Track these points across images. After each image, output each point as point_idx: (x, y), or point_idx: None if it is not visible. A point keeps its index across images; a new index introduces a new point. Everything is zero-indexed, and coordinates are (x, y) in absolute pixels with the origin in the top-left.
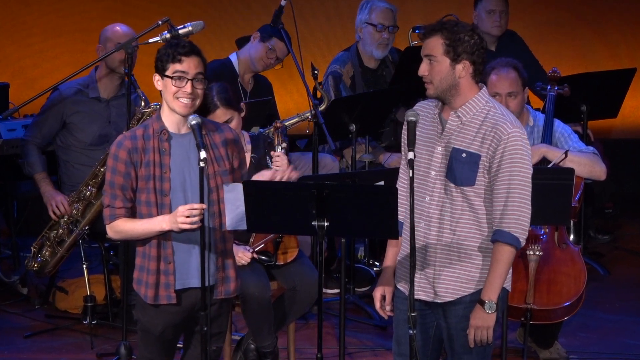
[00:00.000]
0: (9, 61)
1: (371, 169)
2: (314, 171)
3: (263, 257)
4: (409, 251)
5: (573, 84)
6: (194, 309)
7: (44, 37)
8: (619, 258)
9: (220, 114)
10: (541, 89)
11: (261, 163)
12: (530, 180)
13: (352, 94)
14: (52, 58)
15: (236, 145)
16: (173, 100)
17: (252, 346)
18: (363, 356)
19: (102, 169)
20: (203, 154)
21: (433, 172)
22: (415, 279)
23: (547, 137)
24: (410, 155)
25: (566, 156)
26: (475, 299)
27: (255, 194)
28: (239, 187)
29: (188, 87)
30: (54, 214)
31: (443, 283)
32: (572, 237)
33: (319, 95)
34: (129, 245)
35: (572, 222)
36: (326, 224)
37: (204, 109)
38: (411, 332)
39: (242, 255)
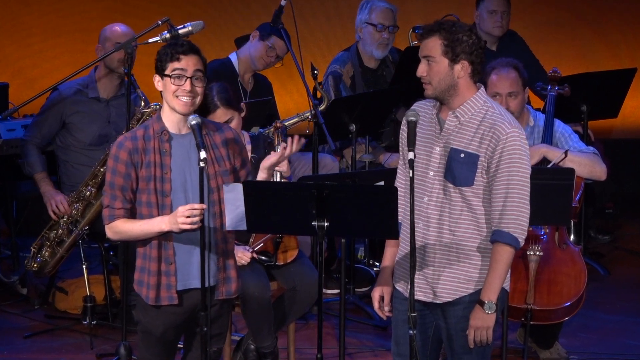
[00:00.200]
0: (8, 61)
1: (371, 169)
2: (314, 171)
3: (263, 257)
4: (407, 251)
5: (573, 84)
6: (195, 309)
7: (44, 37)
8: (620, 258)
9: (221, 114)
10: (541, 89)
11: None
12: (529, 180)
13: (352, 94)
14: (52, 58)
15: (237, 144)
16: (173, 99)
17: (252, 346)
18: (363, 356)
19: (101, 169)
20: (203, 154)
21: (431, 173)
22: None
23: (548, 137)
24: (411, 155)
25: (566, 156)
26: (475, 299)
27: (255, 194)
28: (238, 187)
29: (187, 85)
30: (54, 213)
31: (442, 284)
32: (572, 237)
33: (318, 95)
34: (129, 246)
35: (572, 222)
36: (326, 224)
37: (204, 109)
38: (411, 332)
39: (242, 255)
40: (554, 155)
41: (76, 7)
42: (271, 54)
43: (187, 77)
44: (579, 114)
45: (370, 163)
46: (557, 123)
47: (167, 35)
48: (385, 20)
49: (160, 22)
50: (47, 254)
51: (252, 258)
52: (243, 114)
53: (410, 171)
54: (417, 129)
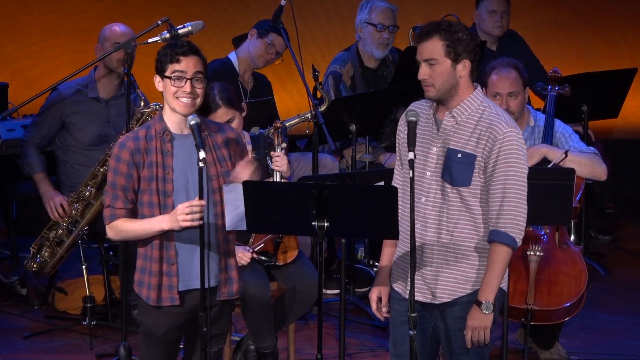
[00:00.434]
0: (8, 61)
1: (371, 169)
2: (314, 171)
3: (263, 258)
4: (404, 251)
5: (574, 84)
6: (196, 309)
7: (43, 37)
8: (620, 258)
9: (222, 114)
10: (542, 89)
11: (262, 164)
12: (526, 180)
13: (352, 94)
14: (52, 58)
15: (238, 145)
16: (173, 100)
17: (252, 347)
18: (363, 357)
19: (101, 169)
20: (202, 154)
21: (428, 173)
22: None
23: (548, 137)
24: (411, 155)
25: (566, 156)
26: (472, 300)
27: (255, 194)
28: (238, 188)
29: (187, 87)
30: (53, 216)
31: (440, 284)
32: (572, 237)
33: (319, 95)
34: (129, 246)
35: (572, 222)
36: (326, 224)
37: (205, 109)
38: (411, 332)
39: (242, 255)
40: (555, 155)
41: (76, 7)
42: (271, 51)
43: (187, 79)
44: (579, 114)
45: (371, 163)
46: (558, 123)
47: (167, 35)
48: (385, 20)
49: (160, 22)
50: (46, 254)
51: (252, 258)
52: (244, 114)
53: (411, 171)
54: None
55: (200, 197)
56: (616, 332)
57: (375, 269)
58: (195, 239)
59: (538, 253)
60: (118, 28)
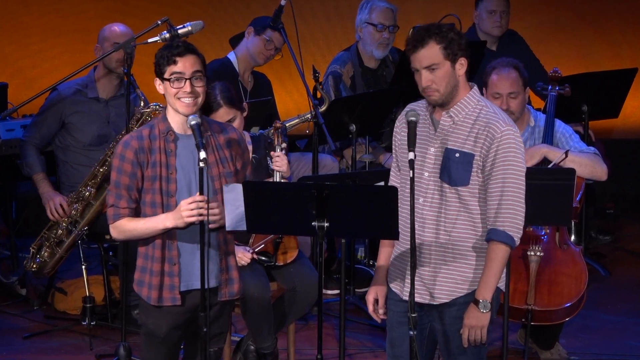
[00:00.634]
0: (7, 61)
1: (371, 169)
2: (314, 171)
3: (263, 258)
4: (402, 252)
5: (574, 84)
6: (197, 309)
7: (43, 37)
8: (620, 259)
9: (223, 113)
10: (542, 89)
11: (262, 164)
12: (524, 179)
13: (352, 94)
14: (51, 58)
15: (240, 146)
16: (175, 101)
17: (252, 347)
18: (363, 357)
19: (101, 170)
20: (202, 154)
21: (426, 174)
22: (409, 281)
23: (548, 137)
24: (411, 155)
25: (567, 156)
26: (470, 300)
27: (255, 194)
28: (238, 188)
29: (187, 87)
30: (52, 216)
31: (438, 285)
32: (573, 237)
33: (319, 95)
34: (128, 246)
35: (573, 222)
36: (326, 224)
37: (206, 108)
38: (412, 333)
39: (242, 255)
40: (555, 155)
41: (75, 7)
42: (270, 47)
43: (186, 79)
44: (579, 114)
45: (371, 163)
46: (558, 123)
47: (167, 35)
48: (385, 20)
49: (159, 22)
50: (46, 254)
51: (252, 259)
52: (245, 114)
53: (411, 171)
54: None
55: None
56: (616, 333)
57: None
58: (197, 240)
59: (538, 253)
60: (117, 28)
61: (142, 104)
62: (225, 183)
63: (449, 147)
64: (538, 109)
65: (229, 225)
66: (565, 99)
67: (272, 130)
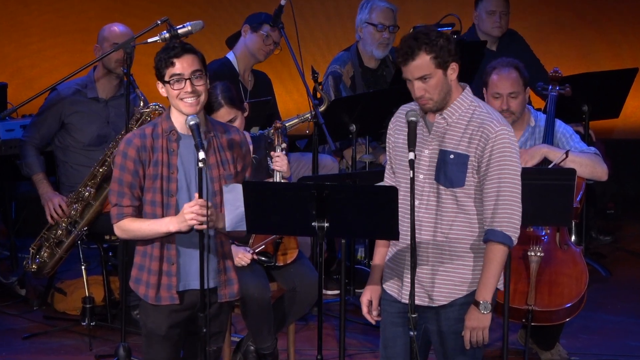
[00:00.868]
0: (7, 61)
1: (371, 169)
2: (314, 171)
3: (263, 258)
4: (397, 253)
5: (574, 84)
6: (195, 307)
7: (43, 37)
8: (621, 259)
9: (224, 113)
10: (542, 89)
11: (262, 164)
12: (520, 178)
13: (352, 94)
14: (51, 58)
15: (242, 148)
16: (178, 102)
17: (252, 348)
18: (363, 357)
19: (100, 170)
20: (202, 155)
21: (421, 176)
22: (406, 283)
23: (549, 137)
24: (411, 155)
25: (567, 156)
26: (468, 301)
27: (255, 194)
28: (238, 188)
29: (188, 87)
30: (52, 217)
31: (437, 287)
32: (573, 238)
33: (318, 96)
34: (128, 247)
35: (573, 222)
36: (326, 224)
37: (208, 108)
38: (412, 333)
39: (242, 256)
40: (555, 155)
41: (75, 6)
42: (269, 42)
43: (186, 79)
44: (580, 114)
45: (371, 163)
46: (558, 123)
47: (167, 35)
48: (385, 20)
49: (159, 22)
50: (46, 254)
51: (252, 259)
52: (246, 114)
53: (411, 171)
54: (405, 134)
55: (201, 198)
56: (617, 333)
57: None
58: (195, 240)
59: (539, 254)
60: (117, 28)
61: (141, 104)
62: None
63: (443, 148)
64: (538, 109)
65: (228, 226)
66: (566, 99)
67: (272, 131)
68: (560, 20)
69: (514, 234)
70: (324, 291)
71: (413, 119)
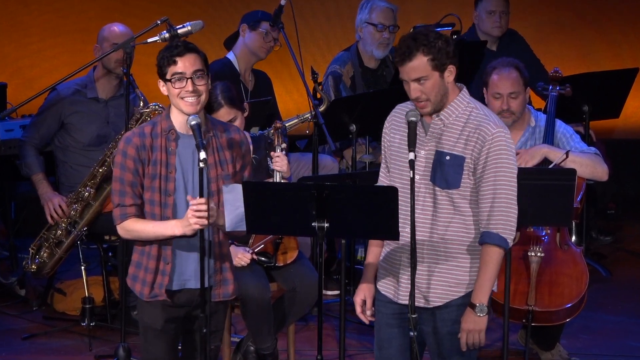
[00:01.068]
0: (7, 61)
1: (371, 169)
2: (314, 172)
3: (263, 258)
4: (391, 253)
5: (575, 84)
6: (191, 304)
7: (42, 36)
8: (621, 259)
9: (224, 113)
10: (543, 89)
11: (262, 164)
12: (516, 180)
13: (352, 94)
14: (51, 58)
15: (241, 148)
16: (179, 101)
17: (252, 348)
18: (363, 358)
19: (100, 170)
20: (203, 155)
21: (417, 177)
22: (402, 283)
23: (549, 137)
24: (411, 155)
25: (567, 157)
26: (465, 302)
27: (255, 194)
28: (238, 188)
29: (189, 86)
30: (51, 217)
31: (432, 288)
32: (574, 238)
33: (318, 96)
34: (128, 247)
35: (574, 223)
36: (326, 224)
37: (208, 108)
38: (412, 334)
39: (242, 256)
40: (556, 155)
41: (75, 6)
42: (269, 39)
43: (188, 78)
44: (580, 114)
45: (371, 163)
46: (559, 123)
47: (166, 35)
48: (385, 20)
49: (159, 22)
50: (45, 255)
51: (252, 259)
52: (246, 114)
53: (411, 172)
54: (401, 134)
55: (201, 196)
56: (617, 333)
57: None
58: (191, 240)
59: (539, 254)
60: (117, 28)
61: (141, 104)
62: (222, 185)
63: (439, 149)
64: (539, 109)
65: (228, 226)
66: (566, 99)
67: (272, 131)
68: (560, 20)
69: (510, 236)
70: (324, 291)
71: (413, 119)
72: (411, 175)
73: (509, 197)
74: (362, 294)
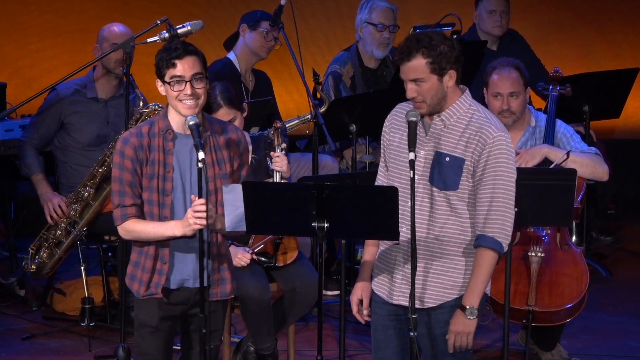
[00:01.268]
0: (6, 61)
1: (371, 169)
2: (314, 172)
3: (262, 259)
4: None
5: (575, 84)
6: (188, 303)
7: (42, 36)
8: (622, 259)
9: (223, 114)
10: (543, 89)
11: (262, 164)
12: (515, 185)
13: (352, 94)
14: (50, 58)
15: (239, 147)
16: (177, 103)
17: (252, 348)
18: (363, 358)
19: (100, 170)
20: (201, 155)
21: (416, 176)
22: (397, 283)
23: (549, 137)
24: (411, 155)
25: (568, 157)
26: (458, 304)
27: (255, 194)
28: (238, 188)
29: (188, 89)
30: (51, 217)
31: (427, 289)
32: (574, 238)
33: (318, 96)
34: (128, 247)
35: (574, 223)
36: (326, 225)
37: (206, 109)
38: (412, 334)
39: (242, 256)
40: (556, 156)
41: (75, 6)
42: (270, 39)
43: (187, 81)
44: (580, 114)
45: (371, 164)
46: (559, 123)
47: (166, 35)
48: (385, 20)
49: (159, 22)
50: (45, 255)
51: (252, 259)
52: (245, 114)
53: (412, 172)
54: (401, 133)
55: (200, 197)
56: (618, 334)
57: None
58: (189, 240)
59: (539, 254)
60: (116, 28)
61: (141, 104)
62: (220, 184)
63: (439, 150)
64: (539, 109)
65: (228, 226)
66: (567, 99)
67: (272, 131)
68: (560, 20)
69: (505, 240)
70: (324, 292)
71: (413, 119)
72: (411, 175)
73: (507, 202)
74: (359, 292)
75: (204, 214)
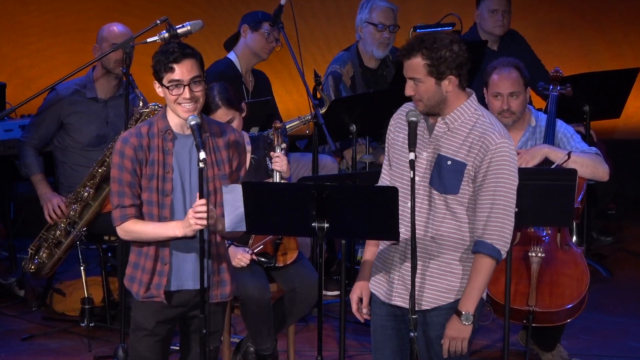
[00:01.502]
0: (6, 61)
1: (371, 169)
2: (314, 172)
3: (262, 259)
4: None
5: (575, 84)
6: (187, 305)
7: (42, 36)
8: (622, 260)
9: (222, 114)
10: (543, 89)
11: (261, 164)
12: (515, 192)
13: (352, 94)
14: (50, 58)
15: (237, 147)
16: (175, 106)
17: (252, 349)
18: (363, 359)
19: (99, 170)
20: (202, 155)
21: (417, 178)
22: (394, 285)
23: (550, 137)
24: (412, 155)
25: (569, 157)
26: (455, 307)
27: (255, 195)
28: (238, 188)
29: (186, 93)
30: (50, 217)
31: (423, 292)
32: (574, 238)
33: (318, 96)
34: (127, 247)
35: (574, 223)
36: (326, 225)
37: (205, 109)
38: (412, 334)
39: (242, 257)
40: (557, 156)
41: (74, 6)
42: (271, 40)
43: (185, 85)
44: (581, 114)
45: (371, 164)
46: (559, 123)
47: (166, 35)
48: (385, 20)
49: (158, 22)
50: (44, 255)
51: (252, 260)
52: (244, 114)
53: (412, 172)
54: (405, 133)
55: (201, 197)
56: (618, 334)
57: None
58: (189, 241)
59: (540, 254)
60: (116, 28)
61: (141, 104)
62: (219, 185)
63: (442, 153)
64: (539, 109)
65: (228, 226)
66: (567, 99)
67: (272, 131)
68: (560, 20)
69: (504, 247)
70: (324, 292)
71: (413, 119)
72: (411, 176)
73: (507, 209)
74: (359, 291)
75: (205, 215)
